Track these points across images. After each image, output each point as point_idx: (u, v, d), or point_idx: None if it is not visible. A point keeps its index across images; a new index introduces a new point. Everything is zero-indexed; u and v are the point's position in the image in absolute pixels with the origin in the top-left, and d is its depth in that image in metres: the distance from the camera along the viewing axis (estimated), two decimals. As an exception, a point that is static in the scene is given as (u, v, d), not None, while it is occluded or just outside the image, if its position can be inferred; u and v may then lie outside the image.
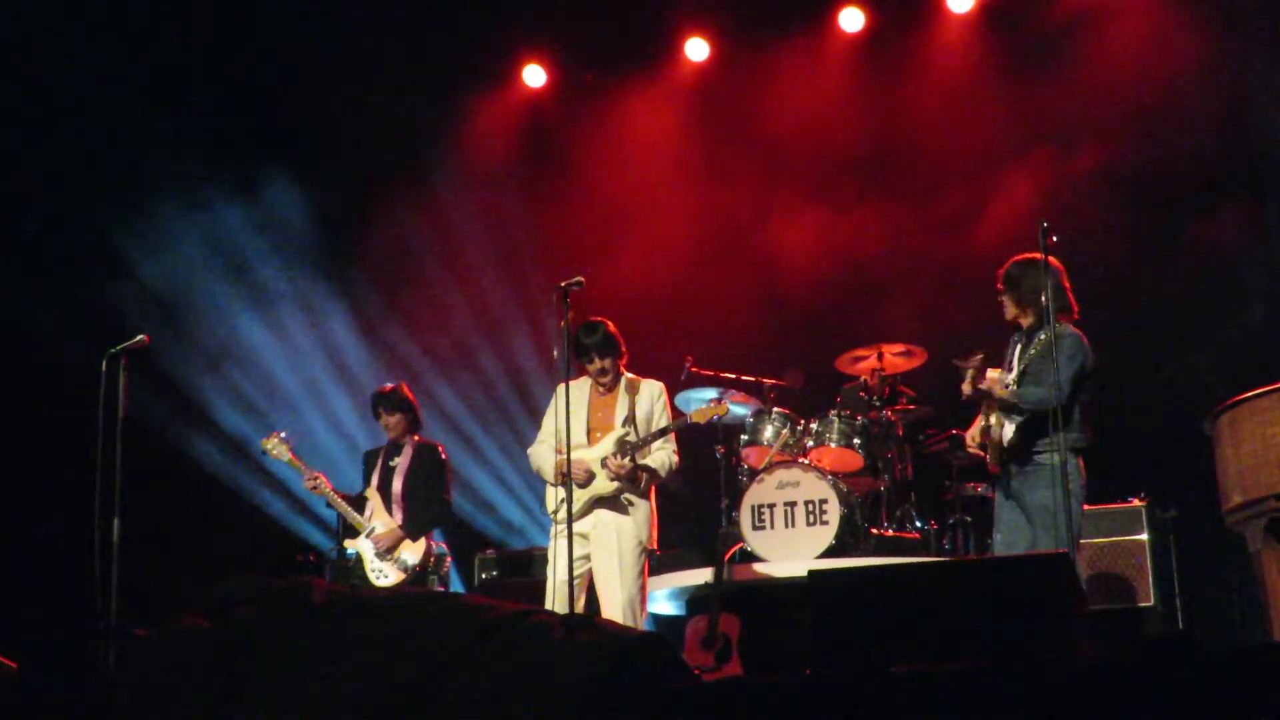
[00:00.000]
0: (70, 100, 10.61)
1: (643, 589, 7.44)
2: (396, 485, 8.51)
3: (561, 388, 7.58)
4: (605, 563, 7.41)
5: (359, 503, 8.54)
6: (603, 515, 7.46)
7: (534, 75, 12.13)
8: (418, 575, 8.40)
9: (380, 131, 11.57)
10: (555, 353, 7.40)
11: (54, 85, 10.53)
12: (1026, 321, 7.14)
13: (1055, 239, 6.76)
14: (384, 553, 8.39)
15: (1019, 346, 7.16)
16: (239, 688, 3.07)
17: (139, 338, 7.87)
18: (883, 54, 11.40)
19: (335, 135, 11.58)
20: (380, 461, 8.64)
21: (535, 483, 9.88)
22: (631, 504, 7.47)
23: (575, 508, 7.32)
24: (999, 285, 7.20)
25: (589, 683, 3.07)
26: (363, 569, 8.41)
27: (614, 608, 7.32)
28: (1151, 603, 8.80)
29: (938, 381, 9.80)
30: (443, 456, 8.67)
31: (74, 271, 10.78)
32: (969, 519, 9.47)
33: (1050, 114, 10.78)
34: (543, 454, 7.65)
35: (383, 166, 11.64)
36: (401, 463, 8.57)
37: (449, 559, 10.22)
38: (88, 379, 7.74)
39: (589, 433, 7.52)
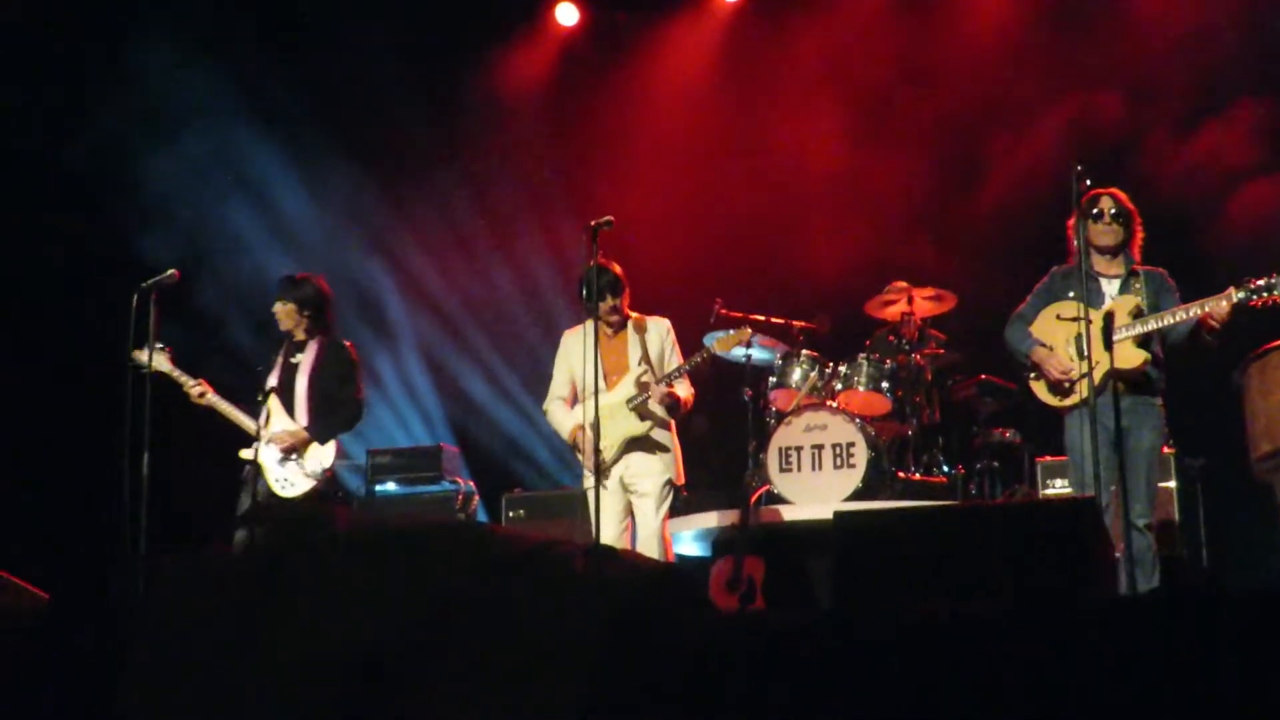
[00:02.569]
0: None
1: (664, 523, 7.66)
2: (301, 384, 7.63)
3: (570, 336, 7.77)
4: (638, 497, 7.64)
5: (256, 410, 7.59)
6: (634, 455, 7.62)
7: (566, 14, 12.09)
8: (329, 482, 7.58)
9: (411, 71, 11.53)
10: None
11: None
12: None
13: (1089, 182, 6.70)
14: (287, 457, 7.52)
15: (1111, 281, 6.96)
16: (263, 614, 3.11)
17: (169, 272, 7.57)
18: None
19: (365, 75, 11.52)
20: (281, 359, 7.74)
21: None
22: (660, 441, 7.65)
23: (610, 452, 7.54)
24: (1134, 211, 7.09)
25: (613, 614, 3.09)
26: (265, 479, 7.49)
27: (645, 536, 7.57)
28: (1178, 550, 8.79)
29: (967, 326, 9.78)
30: (353, 355, 7.83)
31: (101, 205, 10.79)
32: (996, 464, 9.47)
33: (1083, 60, 10.67)
34: (557, 414, 7.81)
35: (413, 106, 11.60)
36: (305, 359, 7.69)
37: (476, 498, 10.29)
38: (117, 312, 7.71)
39: (605, 377, 7.55)
